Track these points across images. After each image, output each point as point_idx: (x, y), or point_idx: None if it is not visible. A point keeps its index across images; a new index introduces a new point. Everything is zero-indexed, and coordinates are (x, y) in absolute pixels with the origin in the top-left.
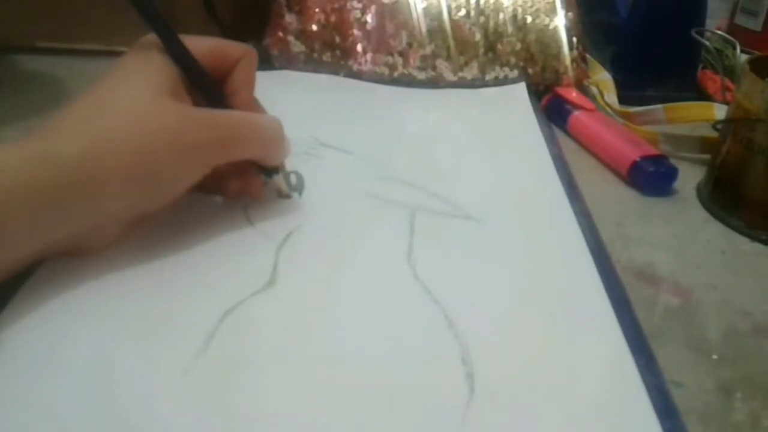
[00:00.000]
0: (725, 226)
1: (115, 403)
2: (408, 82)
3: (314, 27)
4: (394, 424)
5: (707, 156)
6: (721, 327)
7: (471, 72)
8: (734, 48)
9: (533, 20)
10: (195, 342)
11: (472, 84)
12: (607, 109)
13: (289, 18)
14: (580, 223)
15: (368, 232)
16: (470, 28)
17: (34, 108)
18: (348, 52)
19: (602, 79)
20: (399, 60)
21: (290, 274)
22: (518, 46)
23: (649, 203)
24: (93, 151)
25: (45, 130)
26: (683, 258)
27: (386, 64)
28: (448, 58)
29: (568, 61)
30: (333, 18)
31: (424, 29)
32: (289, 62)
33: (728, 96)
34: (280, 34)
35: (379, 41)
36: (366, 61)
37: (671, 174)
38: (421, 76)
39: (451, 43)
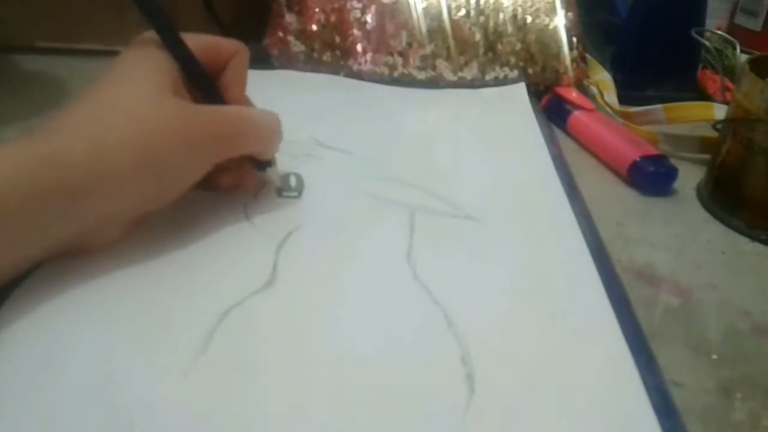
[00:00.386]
0: (725, 226)
1: (113, 402)
2: (408, 82)
3: (314, 27)
4: (394, 424)
5: (707, 156)
6: (721, 327)
7: (471, 72)
8: (734, 48)
9: (533, 20)
10: (194, 341)
11: (472, 84)
12: (607, 109)
13: (289, 18)
14: (580, 223)
15: (368, 232)
16: (470, 28)
17: (34, 108)
18: (348, 52)
19: (602, 79)
20: (399, 60)
21: (290, 273)
22: (518, 46)
23: (649, 203)
24: (99, 150)
25: (48, 130)
26: (683, 258)
27: (386, 64)
28: (448, 58)
29: (568, 61)
30: (333, 18)
31: (424, 29)
32: (289, 62)
33: (728, 96)
34: (280, 34)
35: (379, 41)
36: (366, 61)
37: (671, 174)
38: (421, 76)
39: (451, 43)
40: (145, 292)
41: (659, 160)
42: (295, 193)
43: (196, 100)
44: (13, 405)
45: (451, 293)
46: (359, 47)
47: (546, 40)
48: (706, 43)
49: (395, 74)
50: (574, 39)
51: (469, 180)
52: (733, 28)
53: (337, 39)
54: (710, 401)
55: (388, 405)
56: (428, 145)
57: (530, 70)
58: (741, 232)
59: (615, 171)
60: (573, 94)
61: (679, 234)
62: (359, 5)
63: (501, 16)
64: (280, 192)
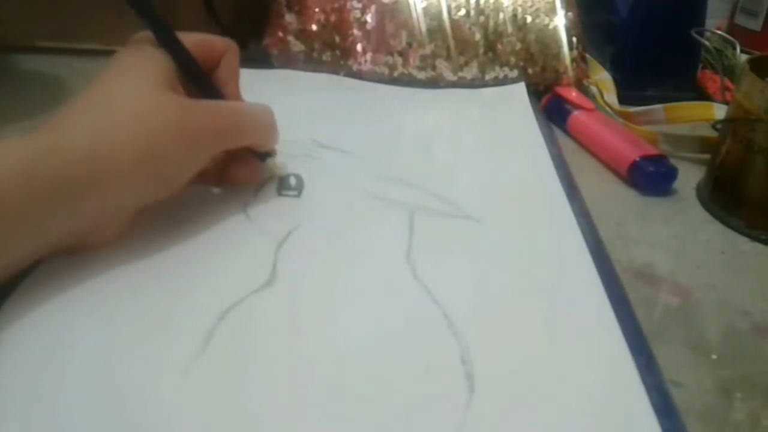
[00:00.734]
0: (725, 226)
1: (114, 401)
2: (408, 81)
3: (314, 27)
4: (394, 423)
5: (707, 156)
6: (721, 327)
7: (471, 72)
8: (734, 48)
9: (533, 20)
10: (194, 340)
11: (472, 84)
12: (607, 108)
13: (289, 18)
14: (579, 223)
15: (368, 232)
16: (470, 28)
17: (34, 108)
18: (348, 52)
19: (602, 78)
20: (399, 60)
21: (290, 273)
22: (518, 45)
23: (649, 203)
24: (102, 144)
25: (49, 125)
26: (683, 258)
27: (386, 64)
28: (448, 57)
29: (567, 60)
30: (333, 18)
31: (423, 29)
32: (288, 62)
33: (728, 96)
34: (280, 33)
35: (379, 41)
36: (366, 61)
37: (671, 174)
38: (420, 75)
39: (451, 42)
40: (145, 290)
41: (659, 160)
42: (294, 193)
43: (192, 95)
44: (14, 404)
45: (451, 293)
46: (359, 47)
47: (546, 40)
48: (706, 43)
49: (395, 74)
50: (574, 39)
51: (468, 180)
52: (733, 28)
53: (337, 39)
54: (710, 401)
55: (387, 404)
56: (428, 144)
57: (530, 70)
58: (740, 232)
59: (615, 171)
60: (573, 94)
61: (679, 234)
62: (359, 5)
63: (501, 15)
64: (279, 191)
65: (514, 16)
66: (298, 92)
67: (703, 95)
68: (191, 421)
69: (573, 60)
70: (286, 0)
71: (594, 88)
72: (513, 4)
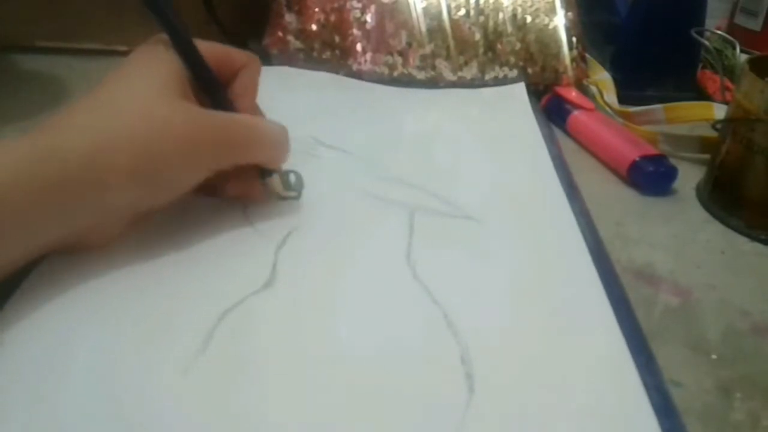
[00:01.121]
0: (725, 226)
1: (114, 402)
2: (408, 81)
3: (314, 26)
4: (394, 424)
5: (707, 156)
6: (721, 327)
7: (470, 72)
8: (734, 48)
9: (533, 20)
10: (194, 341)
11: (472, 84)
12: (607, 108)
13: (289, 17)
14: (579, 223)
15: (368, 232)
16: (470, 28)
17: (34, 108)
18: (348, 52)
19: (602, 78)
20: (399, 60)
21: (289, 273)
22: (518, 45)
23: (649, 203)
24: (99, 147)
25: (49, 126)
26: (682, 258)
27: (386, 64)
28: (448, 57)
29: (567, 60)
30: (333, 17)
31: (423, 29)
32: (288, 62)
33: (728, 96)
34: (280, 33)
35: (379, 41)
36: (366, 61)
37: (671, 174)
38: (420, 75)
39: (451, 42)
40: (145, 291)
41: (659, 159)
42: (294, 193)
43: (204, 105)
44: (15, 405)
45: (451, 293)
46: (359, 47)
47: (546, 39)
48: (706, 43)
49: (395, 74)
50: (574, 39)
51: (468, 180)
52: (732, 28)
53: (337, 39)
54: (709, 401)
55: (387, 405)
56: (428, 144)
57: (530, 70)
58: (740, 232)
59: (614, 171)
60: (573, 94)
61: (679, 234)
62: (359, 5)
63: (501, 15)
64: (279, 194)
65: (514, 15)
66: (298, 91)
67: (703, 95)
68: (191, 421)
69: (573, 60)
70: (286, 0)
71: (594, 88)
72: (513, 4)
